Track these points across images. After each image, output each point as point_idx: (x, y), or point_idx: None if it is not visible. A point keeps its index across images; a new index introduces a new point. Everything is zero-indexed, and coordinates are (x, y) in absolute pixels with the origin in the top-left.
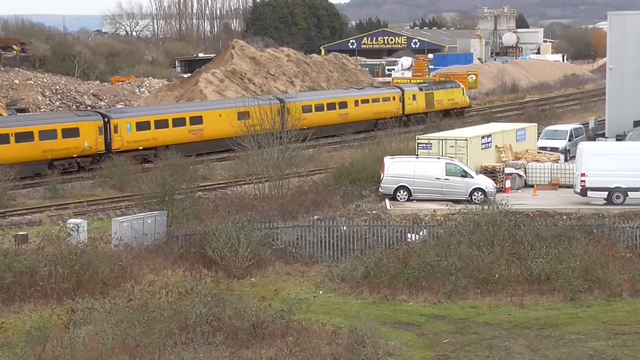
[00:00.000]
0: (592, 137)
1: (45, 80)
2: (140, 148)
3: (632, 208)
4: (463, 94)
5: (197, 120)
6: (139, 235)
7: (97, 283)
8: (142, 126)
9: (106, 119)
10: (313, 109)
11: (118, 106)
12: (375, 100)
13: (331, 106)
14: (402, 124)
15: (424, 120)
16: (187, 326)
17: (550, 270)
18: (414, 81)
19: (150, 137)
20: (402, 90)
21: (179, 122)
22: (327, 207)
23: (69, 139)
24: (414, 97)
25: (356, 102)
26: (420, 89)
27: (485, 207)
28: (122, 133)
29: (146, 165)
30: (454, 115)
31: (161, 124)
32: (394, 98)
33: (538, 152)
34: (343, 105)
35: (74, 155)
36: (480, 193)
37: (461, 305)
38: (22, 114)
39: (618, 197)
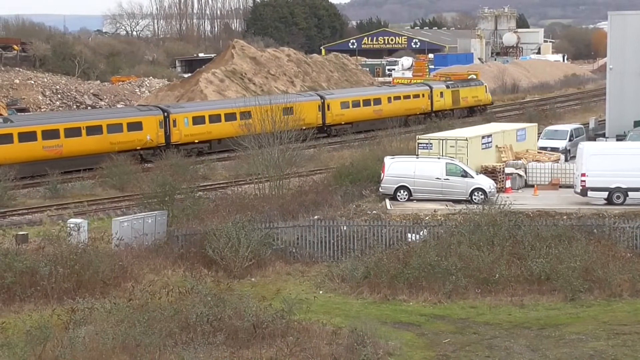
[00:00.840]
0: (593, 137)
1: (45, 80)
2: (196, 141)
3: (633, 208)
4: (486, 92)
5: (246, 115)
6: (139, 235)
7: (98, 283)
8: (197, 120)
9: (166, 114)
10: (350, 105)
11: (118, 106)
12: (406, 97)
13: (367, 103)
14: (431, 120)
15: (450, 116)
16: (187, 326)
17: (550, 270)
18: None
19: (205, 131)
20: (431, 88)
21: (230, 116)
22: (328, 207)
23: (133, 132)
24: (441, 94)
25: (389, 98)
26: (447, 87)
27: (486, 207)
28: (180, 127)
29: (147, 165)
30: (478, 112)
31: (214, 119)
32: (423, 95)
33: (538, 152)
34: (377, 102)
35: (138, 148)
36: (480, 193)
37: (461, 305)
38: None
39: (618, 197)
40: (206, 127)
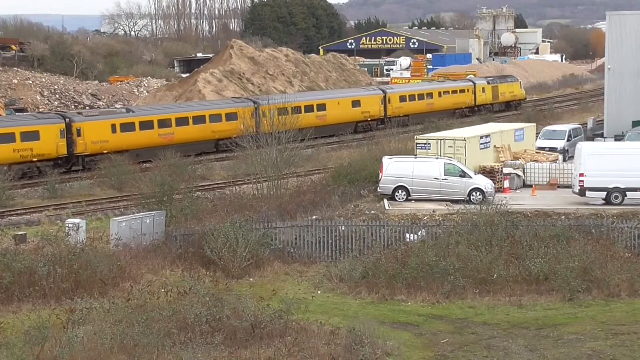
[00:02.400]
0: (591, 137)
1: (43, 80)
2: (277, 132)
3: (631, 208)
4: (520, 87)
5: (322, 107)
6: (137, 235)
7: (96, 283)
8: (282, 112)
9: (256, 105)
10: (407, 99)
11: (117, 106)
12: (454, 92)
13: (421, 97)
14: (474, 113)
15: (490, 110)
16: (185, 326)
17: (548, 270)
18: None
19: (285, 122)
20: (474, 84)
21: (309, 109)
22: (326, 207)
23: (230, 121)
24: (483, 89)
25: (439, 93)
26: (488, 83)
27: (484, 207)
28: (268, 117)
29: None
30: (513, 107)
31: (295, 110)
32: (467, 90)
33: (536, 152)
34: (430, 96)
35: (234, 136)
36: (478, 193)
37: (459, 305)
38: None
39: (616, 197)
40: (288, 117)
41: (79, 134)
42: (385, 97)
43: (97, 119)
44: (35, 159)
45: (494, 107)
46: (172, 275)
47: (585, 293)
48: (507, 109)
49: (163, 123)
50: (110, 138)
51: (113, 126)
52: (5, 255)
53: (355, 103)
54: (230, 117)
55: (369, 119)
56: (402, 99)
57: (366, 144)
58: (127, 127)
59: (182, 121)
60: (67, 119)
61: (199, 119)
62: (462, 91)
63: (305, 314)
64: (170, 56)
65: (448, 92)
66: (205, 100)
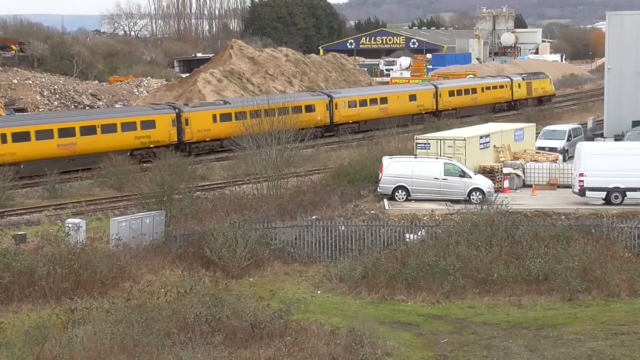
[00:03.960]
0: (591, 137)
1: (43, 80)
2: (350, 122)
3: (631, 208)
4: (550, 84)
5: (384, 100)
6: (137, 235)
7: (96, 283)
8: (352, 104)
9: (330, 98)
10: (455, 94)
11: (117, 106)
12: (494, 88)
13: (467, 92)
14: (510, 108)
15: (525, 105)
16: (185, 326)
17: (548, 270)
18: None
19: (356, 114)
20: (511, 80)
21: (373, 102)
22: (326, 207)
23: (309, 113)
24: (519, 85)
25: (482, 88)
26: (523, 79)
27: (484, 207)
28: (340, 109)
29: (144, 165)
30: (545, 102)
31: (363, 103)
32: (506, 86)
33: (536, 152)
34: (474, 91)
35: (312, 126)
36: (478, 193)
37: (459, 305)
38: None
39: (616, 197)
40: (357, 110)
41: (187, 123)
42: (436, 92)
43: (202, 109)
44: (152, 145)
45: (528, 102)
46: (172, 275)
47: (585, 293)
48: (540, 104)
49: (255, 114)
50: (212, 127)
51: (214, 116)
52: (5, 255)
53: (412, 97)
54: (309, 109)
55: (423, 112)
56: (451, 93)
57: (366, 144)
58: (225, 117)
59: (273, 112)
60: (177, 110)
61: (283, 111)
62: (501, 87)
63: (305, 314)
64: (170, 56)
65: (490, 87)
66: (288, 94)
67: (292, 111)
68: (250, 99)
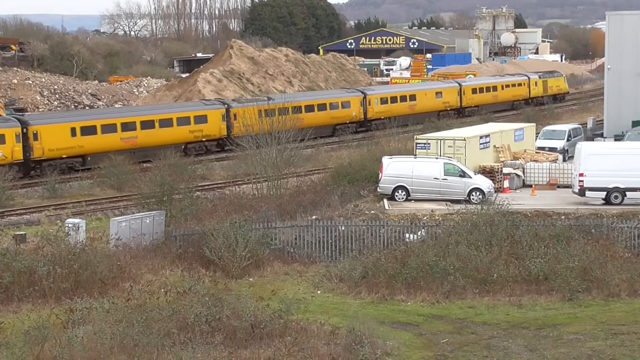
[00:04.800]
0: (591, 137)
1: (43, 80)
2: (382, 117)
3: (631, 208)
4: (564, 82)
5: (412, 97)
6: (137, 235)
7: (96, 283)
8: (383, 101)
9: (364, 95)
10: (477, 91)
11: (116, 106)
12: (513, 86)
13: (488, 89)
14: (528, 105)
15: (542, 102)
16: (185, 326)
17: (548, 270)
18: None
19: (387, 110)
20: (529, 78)
21: (403, 99)
22: (326, 207)
23: (345, 109)
24: (536, 83)
25: (502, 86)
26: (540, 77)
27: (484, 207)
28: (373, 106)
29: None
30: (559, 99)
31: (393, 100)
32: (524, 84)
33: (536, 152)
34: (495, 89)
35: (347, 122)
36: (478, 193)
37: (459, 305)
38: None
39: (616, 197)
40: (388, 106)
41: (235, 118)
42: (460, 89)
43: (248, 105)
44: (204, 139)
45: (544, 100)
46: (172, 275)
47: (585, 293)
48: (555, 101)
49: (296, 110)
50: (256, 123)
51: (260, 112)
52: (5, 255)
53: (438, 94)
54: (345, 105)
55: (448, 109)
56: (474, 91)
57: (366, 144)
58: (269, 113)
59: (309, 108)
60: (226, 105)
61: (322, 107)
62: (519, 85)
63: (305, 314)
64: (170, 56)
65: (509, 85)
66: (324, 90)
67: (330, 107)
68: (292, 95)
